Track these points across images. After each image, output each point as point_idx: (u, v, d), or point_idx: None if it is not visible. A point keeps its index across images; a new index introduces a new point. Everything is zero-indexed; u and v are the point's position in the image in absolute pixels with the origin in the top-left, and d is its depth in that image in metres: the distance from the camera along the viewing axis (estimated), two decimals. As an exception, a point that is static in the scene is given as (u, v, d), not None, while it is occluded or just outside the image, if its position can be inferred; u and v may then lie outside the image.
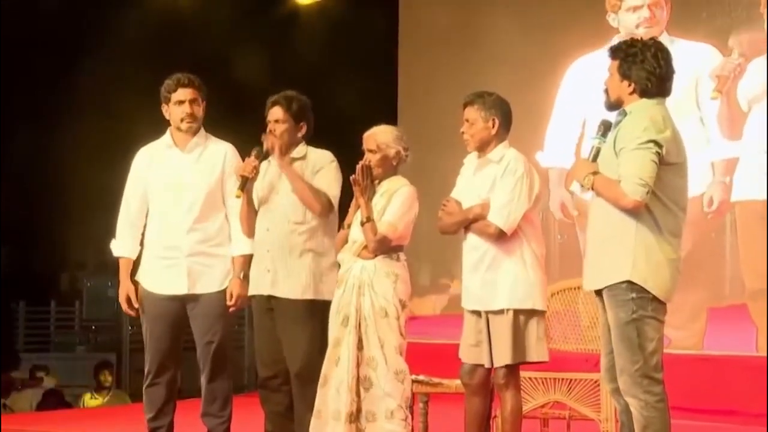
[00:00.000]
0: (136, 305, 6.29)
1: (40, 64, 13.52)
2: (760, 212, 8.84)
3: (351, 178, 5.93)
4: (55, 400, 12.10)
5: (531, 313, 5.64)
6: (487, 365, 5.69)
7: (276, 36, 12.25)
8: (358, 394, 5.82)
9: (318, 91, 11.19)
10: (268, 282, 6.13)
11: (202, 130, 6.35)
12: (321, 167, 6.17)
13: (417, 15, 10.93)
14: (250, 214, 6.19)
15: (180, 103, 6.28)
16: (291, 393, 6.15)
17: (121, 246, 6.40)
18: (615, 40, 9.17)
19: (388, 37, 11.00)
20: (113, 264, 6.43)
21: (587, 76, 9.52)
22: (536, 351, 5.64)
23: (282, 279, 6.11)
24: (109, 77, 12.64)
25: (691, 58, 8.80)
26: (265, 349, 6.22)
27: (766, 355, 8.32)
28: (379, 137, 5.98)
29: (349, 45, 12.11)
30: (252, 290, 6.20)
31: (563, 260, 9.46)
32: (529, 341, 5.63)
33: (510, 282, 5.63)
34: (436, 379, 6.45)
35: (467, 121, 5.77)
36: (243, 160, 6.22)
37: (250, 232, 6.21)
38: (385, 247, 5.87)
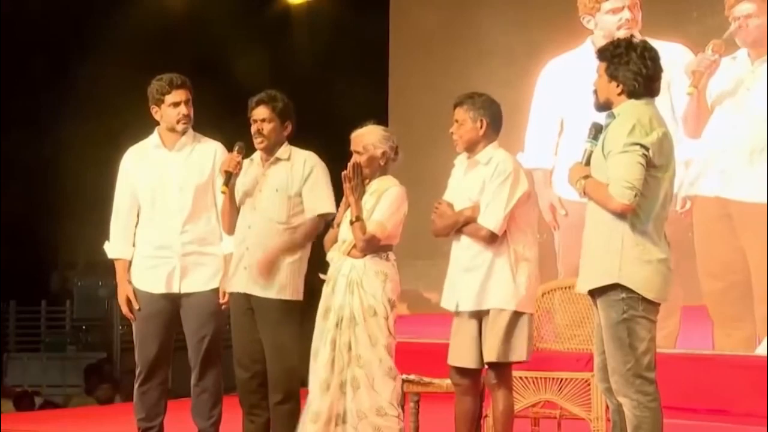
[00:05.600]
0: (136, 306, 6.29)
1: (33, 65, 13.51)
2: (715, 211, 8.87)
3: (342, 174, 5.93)
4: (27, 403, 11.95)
5: (518, 314, 5.65)
6: (474, 366, 5.71)
7: (267, 37, 12.25)
8: (344, 395, 5.83)
9: (309, 91, 11.27)
10: (245, 280, 6.12)
11: (191, 130, 6.34)
12: (309, 175, 6.16)
13: (407, 15, 10.92)
14: (232, 211, 6.18)
15: (175, 104, 6.26)
16: (268, 394, 6.14)
17: (115, 248, 6.38)
18: (593, 41, 9.27)
19: (379, 37, 11.00)
20: (104, 264, 6.43)
21: (562, 76, 9.53)
22: (518, 351, 5.66)
23: (261, 278, 6.10)
24: (101, 77, 12.63)
25: (663, 58, 8.80)
26: (243, 349, 6.20)
27: (766, 355, 8.34)
28: (366, 138, 5.98)
29: (340, 45, 12.13)
30: (229, 288, 6.19)
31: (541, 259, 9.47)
32: (514, 341, 5.65)
33: (497, 283, 5.65)
34: (427, 379, 6.46)
35: (456, 121, 5.79)
36: None
37: (231, 229, 6.20)
38: (373, 247, 5.88)
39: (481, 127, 5.75)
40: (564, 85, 9.46)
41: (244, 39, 12.14)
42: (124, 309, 6.33)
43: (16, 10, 12.39)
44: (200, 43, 12.42)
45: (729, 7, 8.88)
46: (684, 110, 8.86)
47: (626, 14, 9.16)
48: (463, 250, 5.74)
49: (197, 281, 6.26)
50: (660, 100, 5.21)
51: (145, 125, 6.43)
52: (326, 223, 6.17)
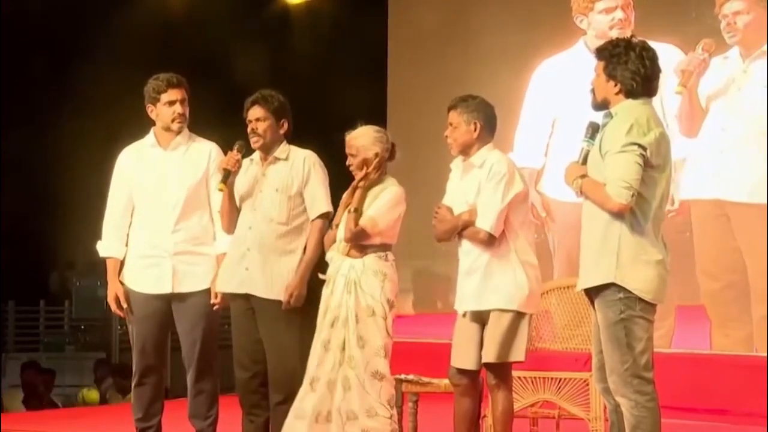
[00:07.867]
0: (124, 305, 6.29)
1: (32, 64, 13.52)
2: (712, 212, 8.86)
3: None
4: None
5: (519, 315, 5.66)
6: (473, 367, 5.72)
7: (267, 37, 12.26)
8: (331, 394, 5.82)
9: (308, 91, 11.28)
10: (246, 281, 6.11)
11: (186, 130, 6.35)
12: (309, 175, 6.16)
13: (406, 15, 10.93)
14: (231, 209, 6.17)
15: (171, 103, 6.27)
16: (268, 394, 6.14)
17: (107, 246, 6.39)
18: (585, 42, 9.26)
19: (378, 37, 11.01)
20: (103, 264, 6.43)
21: (554, 76, 9.52)
22: (517, 352, 5.67)
23: (262, 278, 6.09)
24: (99, 77, 12.63)
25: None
26: (243, 349, 6.19)
27: (765, 355, 8.34)
28: (358, 141, 5.99)
29: (340, 45, 12.13)
30: (229, 288, 6.18)
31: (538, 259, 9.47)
32: (514, 342, 5.65)
33: (498, 283, 5.65)
34: (425, 379, 6.46)
35: (451, 125, 5.80)
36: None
37: (230, 228, 6.19)
38: (359, 240, 5.88)
39: (475, 130, 5.75)
40: (556, 85, 9.46)
41: (243, 39, 12.15)
42: (113, 307, 6.33)
43: (16, 10, 12.40)
44: (200, 43, 12.41)
45: (719, 5, 8.88)
46: (678, 109, 8.85)
47: (619, 14, 9.13)
48: (466, 253, 5.76)
49: (189, 281, 6.25)
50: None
51: (145, 125, 6.43)
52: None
